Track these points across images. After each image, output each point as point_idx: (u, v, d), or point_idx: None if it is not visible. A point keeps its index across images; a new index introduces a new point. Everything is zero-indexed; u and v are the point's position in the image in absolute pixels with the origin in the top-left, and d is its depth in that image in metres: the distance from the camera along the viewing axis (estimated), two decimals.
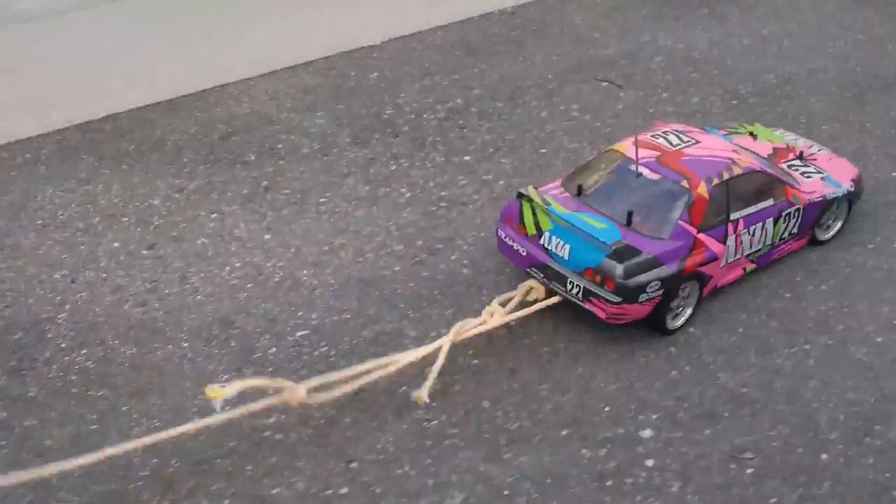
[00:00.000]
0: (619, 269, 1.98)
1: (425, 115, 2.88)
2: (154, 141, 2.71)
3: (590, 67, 3.14)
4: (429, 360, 1.98)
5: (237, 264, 2.31)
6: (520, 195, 2.12)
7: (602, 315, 2.04)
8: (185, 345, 2.06)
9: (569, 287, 2.06)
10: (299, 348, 2.08)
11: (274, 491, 1.80)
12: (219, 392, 1.77)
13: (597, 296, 2.02)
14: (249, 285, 2.24)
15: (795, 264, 2.37)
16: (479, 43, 3.26)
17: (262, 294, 2.23)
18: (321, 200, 2.52)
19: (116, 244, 2.34)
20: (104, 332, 2.10)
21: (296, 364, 2.04)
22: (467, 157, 2.71)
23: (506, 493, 1.81)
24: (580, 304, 2.06)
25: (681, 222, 2.04)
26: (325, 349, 2.08)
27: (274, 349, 2.08)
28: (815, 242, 2.40)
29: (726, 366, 2.10)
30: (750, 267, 2.26)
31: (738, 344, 2.16)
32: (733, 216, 2.12)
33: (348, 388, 1.92)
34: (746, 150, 2.36)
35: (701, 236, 2.07)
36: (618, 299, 2.00)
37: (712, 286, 2.18)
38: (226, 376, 1.99)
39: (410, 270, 2.30)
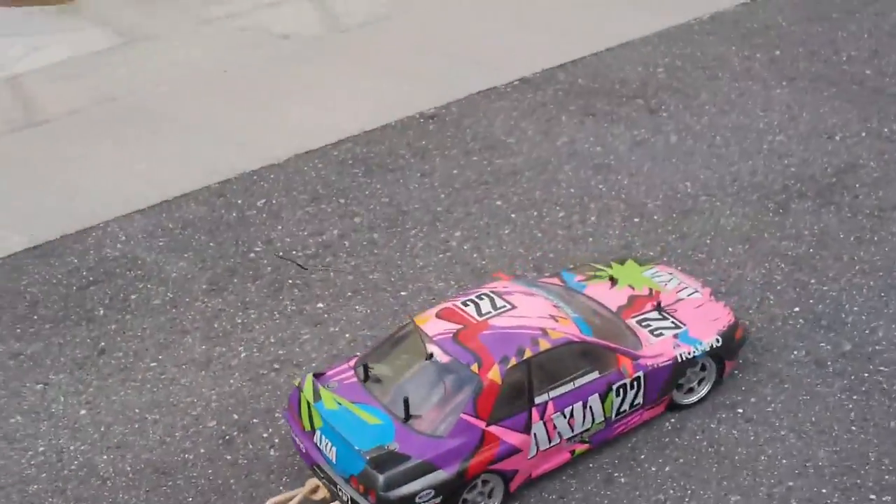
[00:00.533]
0: (379, 479, 1.79)
1: (294, 252, 2.73)
2: (14, 294, 2.65)
3: (489, 182, 2.94)
4: None
5: (40, 448, 2.21)
6: (298, 386, 1.95)
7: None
8: None
9: (341, 494, 1.89)
10: None
11: None
12: None
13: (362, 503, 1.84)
14: (43, 475, 2.14)
15: (642, 436, 2.12)
16: (383, 157, 3.09)
17: (51, 487, 2.12)
18: (151, 365, 2.41)
19: None
20: None
21: None
22: (320, 305, 2.55)
23: None
24: None
25: (464, 416, 1.82)
26: None
27: None
28: (675, 407, 2.14)
29: None
30: (581, 448, 2.02)
31: None
32: (539, 399, 1.88)
33: None
34: (592, 302, 2.13)
35: (492, 429, 1.84)
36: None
37: (523, 479, 1.95)
38: None
39: (214, 453, 2.16)
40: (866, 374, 2.25)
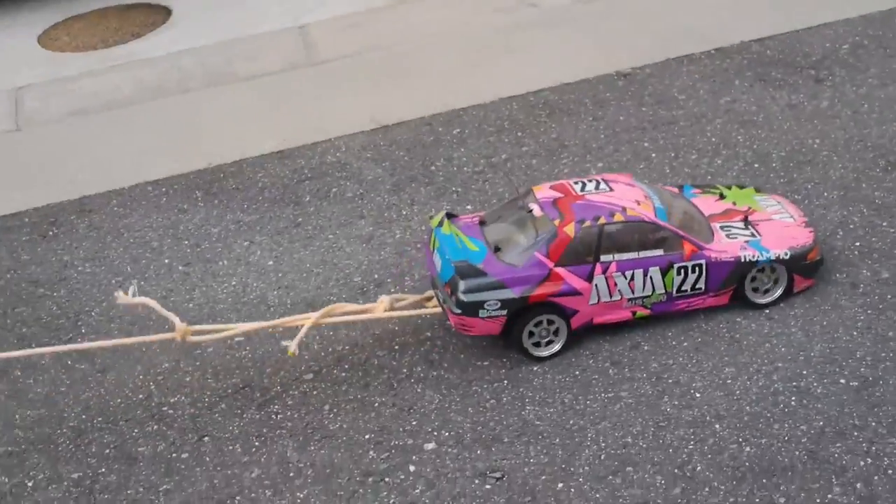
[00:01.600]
0: (461, 284, 2.33)
1: (465, 168, 3.31)
2: (251, 181, 3.45)
3: (645, 128, 3.35)
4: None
5: (233, 283, 2.96)
6: (431, 218, 2.58)
7: (452, 323, 2.43)
8: None
9: (438, 296, 2.49)
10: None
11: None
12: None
13: (448, 306, 2.39)
14: (229, 299, 2.88)
15: (678, 321, 2.50)
16: (568, 103, 3.56)
17: (232, 308, 2.84)
18: (329, 237, 3.08)
19: (167, 260, 3.11)
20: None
21: None
22: (469, 207, 3.11)
23: (292, 473, 2.27)
24: (443, 310, 2.47)
25: (537, 254, 2.33)
26: None
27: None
28: (746, 304, 2.51)
29: (540, 401, 2.34)
30: (642, 312, 2.46)
31: (564, 383, 2.38)
32: (604, 258, 2.35)
33: (230, 334, 2.50)
34: (689, 205, 2.58)
35: (558, 270, 2.33)
36: (458, 311, 2.36)
37: (583, 320, 2.42)
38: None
39: (351, 297, 2.79)
40: (890, 297, 2.48)
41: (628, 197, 2.42)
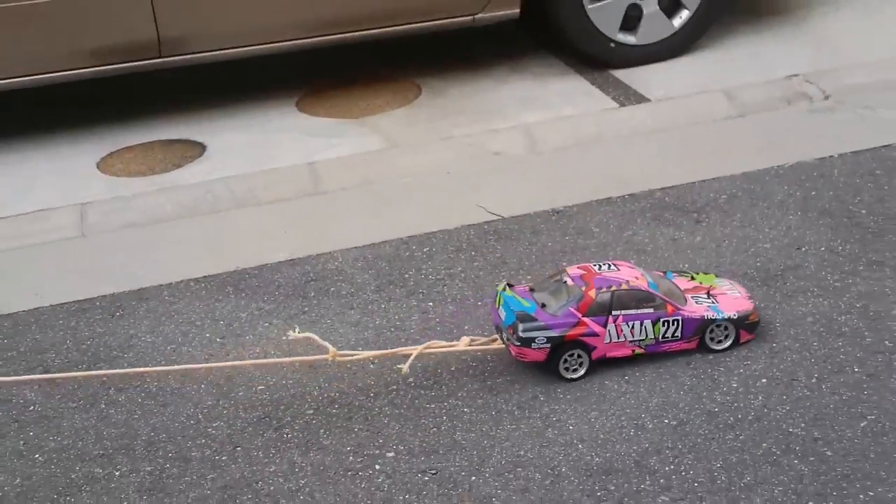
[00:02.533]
0: (520, 326, 3.46)
1: (430, 277, 4.43)
2: (269, 281, 4.55)
3: (568, 252, 4.50)
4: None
5: (257, 350, 4.07)
6: (507, 285, 3.70)
7: (513, 352, 3.52)
8: None
9: (503, 337, 3.59)
10: None
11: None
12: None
13: (511, 341, 3.50)
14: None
15: (567, 385, 3.60)
16: (513, 232, 4.75)
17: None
18: (328, 322, 4.23)
19: (207, 334, 4.23)
20: None
21: None
22: (430, 304, 4.26)
23: (297, 469, 3.32)
24: (506, 346, 3.55)
25: (570, 308, 3.46)
26: None
27: None
28: (707, 350, 3.58)
29: (466, 430, 3.41)
30: (639, 350, 3.57)
31: (483, 419, 3.42)
32: (615, 313, 3.46)
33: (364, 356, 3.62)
34: (670, 283, 3.66)
35: (585, 319, 3.45)
36: (518, 343, 3.47)
37: (600, 354, 3.52)
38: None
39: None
40: (711, 370, 3.53)
41: (630, 275, 3.54)
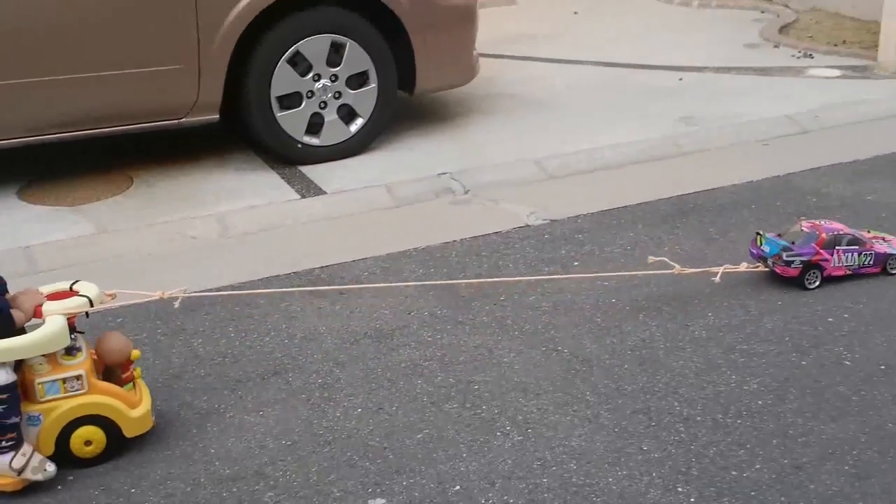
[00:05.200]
0: (784, 253, 4.98)
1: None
2: None
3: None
4: None
5: None
6: (757, 233, 5.22)
7: (778, 271, 5.09)
8: None
9: (769, 262, 5.09)
10: None
11: None
12: None
13: (777, 264, 5.03)
14: None
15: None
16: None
17: None
18: None
19: None
20: None
21: None
22: None
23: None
24: (771, 268, 5.11)
25: (812, 244, 5.01)
26: None
27: None
28: (886, 273, 5.30)
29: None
30: (848, 272, 5.19)
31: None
32: (837, 248, 5.07)
33: None
34: (860, 233, 5.30)
35: (821, 251, 5.01)
36: (783, 264, 5.04)
37: (828, 273, 5.09)
38: None
39: None
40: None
41: (842, 227, 5.23)
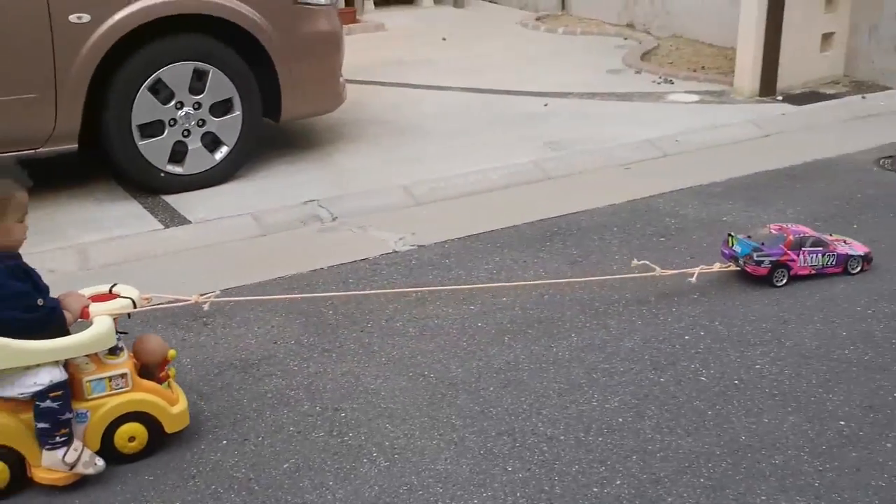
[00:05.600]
0: (755, 253, 5.22)
1: None
2: None
3: None
4: None
5: None
6: (729, 234, 5.40)
7: (749, 270, 5.38)
8: None
9: (740, 262, 5.33)
10: None
11: None
12: None
13: (748, 264, 5.27)
14: None
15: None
16: None
17: None
18: None
19: None
20: None
21: None
22: None
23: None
24: (742, 268, 5.32)
25: (780, 246, 5.23)
26: None
27: None
28: (847, 274, 5.56)
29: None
30: (813, 272, 5.45)
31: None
32: (803, 248, 5.32)
33: None
34: (823, 236, 5.59)
35: (788, 251, 5.23)
36: (754, 264, 5.29)
37: (794, 273, 5.35)
38: None
39: None
40: None
41: (808, 230, 5.51)
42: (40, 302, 3.40)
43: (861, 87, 8.43)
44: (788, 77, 8.24)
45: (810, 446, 3.54)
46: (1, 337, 3.29)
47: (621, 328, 4.58)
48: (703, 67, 9.23)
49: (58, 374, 3.45)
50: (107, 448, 3.65)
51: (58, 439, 3.47)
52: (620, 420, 3.80)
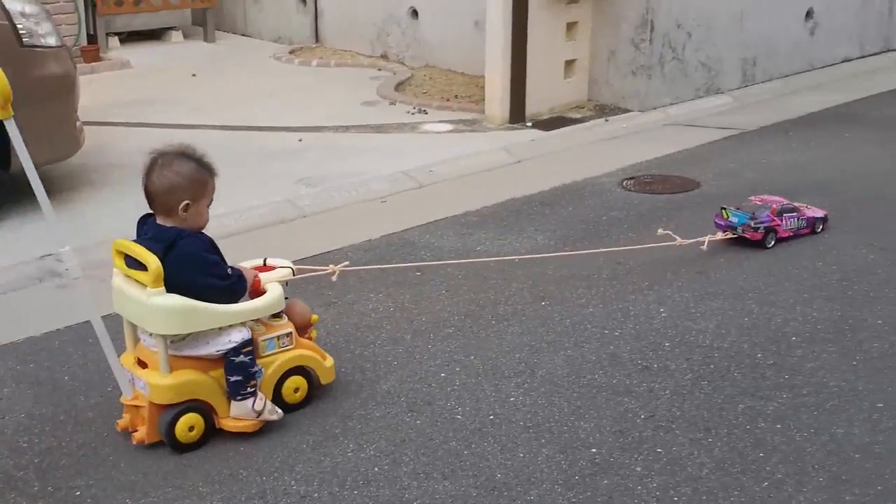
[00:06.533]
0: (751, 222, 5.69)
1: None
2: None
3: None
4: None
5: None
6: (722, 208, 6.11)
7: (748, 236, 6.06)
8: None
9: (739, 230, 6.15)
10: None
11: None
12: None
13: (746, 231, 5.68)
14: None
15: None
16: None
17: None
18: None
19: None
20: None
21: None
22: None
23: None
24: (741, 234, 6.05)
25: (767, 213, 5.61)
26: None
27: None
28: (814, 233, 6.24)
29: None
30: (790, 234, 6.11)
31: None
32: (784, 215, 5.71)
33: None
34: (794, 203, 5.95)
35: (775, 218, 5.60)
36: (752, 230, 5.99)
37: (779, 235, 5.80)
38: None
39: None
40: None
41: (783, 200, 5.95)
42: (230, 271, 3.96)
43: (604, 110, 8.74)
44: (536, 103, 8.45)
45: (563, 478, 3.62)
46: (200, 302, 3.80)
47: (377, 371, 4.52)
48: (455, 96, 9.36)
49: (246, 333, 3.96)
50: (276, 399, 4.20)
51: (248, 390, 3.96)
52: (376, 469, 3.78)
